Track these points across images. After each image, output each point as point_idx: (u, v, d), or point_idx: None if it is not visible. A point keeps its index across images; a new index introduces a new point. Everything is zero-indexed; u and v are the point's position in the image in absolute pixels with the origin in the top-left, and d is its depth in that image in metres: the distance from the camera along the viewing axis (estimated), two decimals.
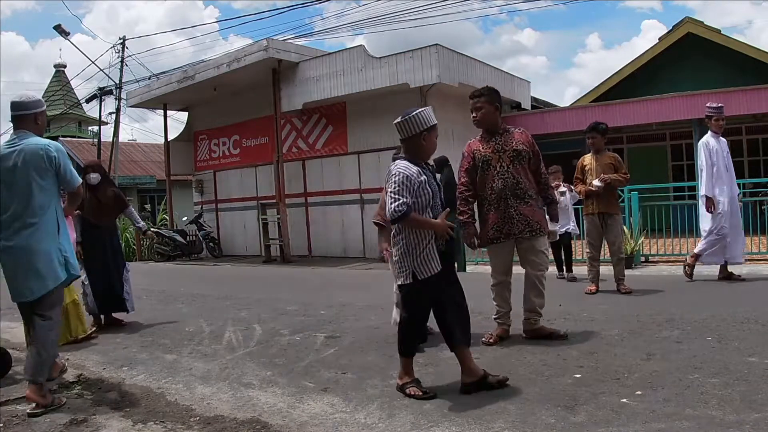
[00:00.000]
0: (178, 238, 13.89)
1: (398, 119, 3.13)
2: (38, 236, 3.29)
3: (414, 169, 3.03)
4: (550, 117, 12.70)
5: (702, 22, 13.91)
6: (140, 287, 7.97)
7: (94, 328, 5.14)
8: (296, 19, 58.68)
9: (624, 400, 2.80)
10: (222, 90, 13.07)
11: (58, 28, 18.34)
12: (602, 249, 5.95)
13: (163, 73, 16.91)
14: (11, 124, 3.46)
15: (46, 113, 3.61)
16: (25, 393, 3.20)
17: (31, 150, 3.33)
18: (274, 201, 12.17)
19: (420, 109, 3.16)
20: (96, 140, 22.86)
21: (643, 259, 8.07)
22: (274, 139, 12.21)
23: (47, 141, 3.46)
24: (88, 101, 21.44)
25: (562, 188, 6.81)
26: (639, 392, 2.89)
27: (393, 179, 3.01)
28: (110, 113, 22.29)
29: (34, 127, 3.47)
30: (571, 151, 11.69)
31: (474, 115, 4.04)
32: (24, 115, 3.47)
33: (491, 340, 3.95)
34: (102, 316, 5.45)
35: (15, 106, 3.48)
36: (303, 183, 12.79)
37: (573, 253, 7.10)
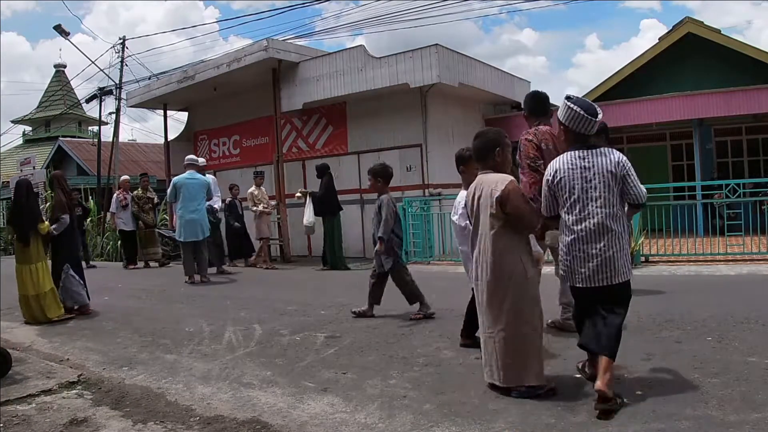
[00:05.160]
0: None
1: (588, 111, 3.02)
2: (203, 214, 8.42)
3: None
4: None
5: (702, 22, 13.87)
6: (140, 287, 7.98)
7: (72, 315, 5.83)
8: (296, 19, 58.76)
9: (624, 400, 2.80)
10: (222, 90, 13.05)
11: (58, 28, 18.33)
12: None
13: (163, 73, 16.90)
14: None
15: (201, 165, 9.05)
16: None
17: (201, 180, 8.45)
18: (275, 201, 12.16)
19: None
20: (96, 140, 22.85)
21: (643, 259, 8.07)
22: (274, 139, 12.19)
23: (205, 176, 8.78)
24: (88, 101, 21.44)
25: None
26: (639, 392, 2.89)
27: (629, 164, 3.01)
28: (110, 113, 22.28)
29: (198, 170, 8.62)
30: None
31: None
32: (195, 165, 8.58)
33: None
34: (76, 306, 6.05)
35: (193, 159, 8.68)
36: (303, 183, 12.77)
37: None
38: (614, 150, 3.06)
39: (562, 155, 3.15)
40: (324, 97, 11.43)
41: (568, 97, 3.10)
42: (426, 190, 10.62)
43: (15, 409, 3.16)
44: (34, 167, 21.85)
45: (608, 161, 2.99)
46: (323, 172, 9.78)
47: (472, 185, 3.22)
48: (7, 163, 30.26)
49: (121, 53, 19.36)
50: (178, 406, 3.12)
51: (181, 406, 3.13)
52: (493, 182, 3.07)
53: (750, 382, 2.92)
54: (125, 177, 12.05)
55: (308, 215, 9.58)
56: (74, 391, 3.47)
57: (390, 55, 10.59)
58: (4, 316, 5.67)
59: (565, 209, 3.04)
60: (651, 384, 3.00)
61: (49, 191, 6.52)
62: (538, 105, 4.34)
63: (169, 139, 15.32)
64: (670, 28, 14.55)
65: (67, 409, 3.14)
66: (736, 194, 8.28)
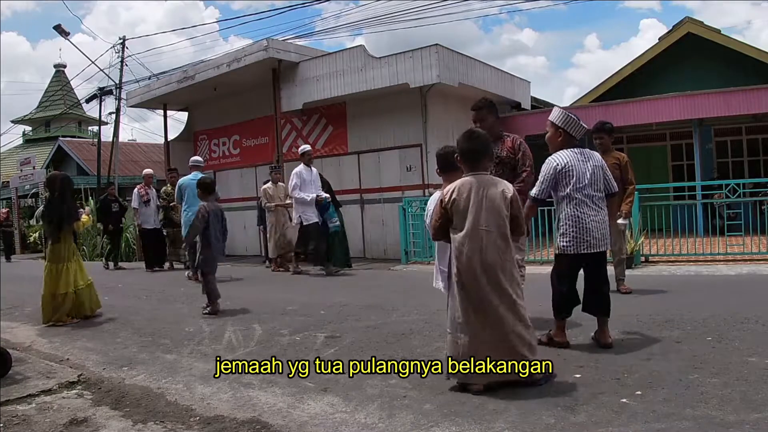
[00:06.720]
0: None
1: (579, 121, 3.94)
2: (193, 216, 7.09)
3: None
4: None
5: (702, 22, 13.89)
6: (140, 287, 7.98)
7: (76, 320, 5.68)
8: (296, 19, 58.84)
9: (624, 400, 2.80)
10: (222, 90, 13.05)
11: (58, 28, 18.35)
12: None
13: (163, 73, 16.92)
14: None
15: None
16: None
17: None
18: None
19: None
20: (96, 140, 22.86)
21: (643, 259, 8.07)
22: (274, 139, 12.20)
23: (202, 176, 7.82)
24: (88, 101, 21.50)
25: None
26: (639, 392, 2.89)
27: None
28: (110, 113, 22.35)
29: (197, 170, 8.84)
30: None
31: (478, 126, 4.21)
32: (199, 166, 9.21)
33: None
34: None
35: (197, 161, 9.36)
36: None
37: None
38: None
39: (565, 151, 3.88)
40: (324, 97, 11.43)
41: (559, 108, 4.10)
42: (426, 190, 10.62)
43: (15, 409, 3.16)
44: (34, 167, 21.87)
45: (598, 158, 3.95)
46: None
47: (463, 184, 3.14)
48: (7, 163, 30.29)
49: (121, 53, 19.40)
50: (178, 406, 3.12)
51: (181, 406, 3.13)
52: (499, 183, 3.16)
53: (750, 382, 2.92)
54: (148, 171, 11.39)
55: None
56: (74, 391, 3.47)
57: (390, 55, 10.59)
58: (4, 316, 5.67)
59: (568, 191, 3.80)
60: (651, 384, 3.00)
61: (47, 192, 6.40)
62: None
63: (169, 139, 15.31)
64: (670, 28, 14.58)
65: (67, 409, 3.14)
66: (736, 194, 8.29)
